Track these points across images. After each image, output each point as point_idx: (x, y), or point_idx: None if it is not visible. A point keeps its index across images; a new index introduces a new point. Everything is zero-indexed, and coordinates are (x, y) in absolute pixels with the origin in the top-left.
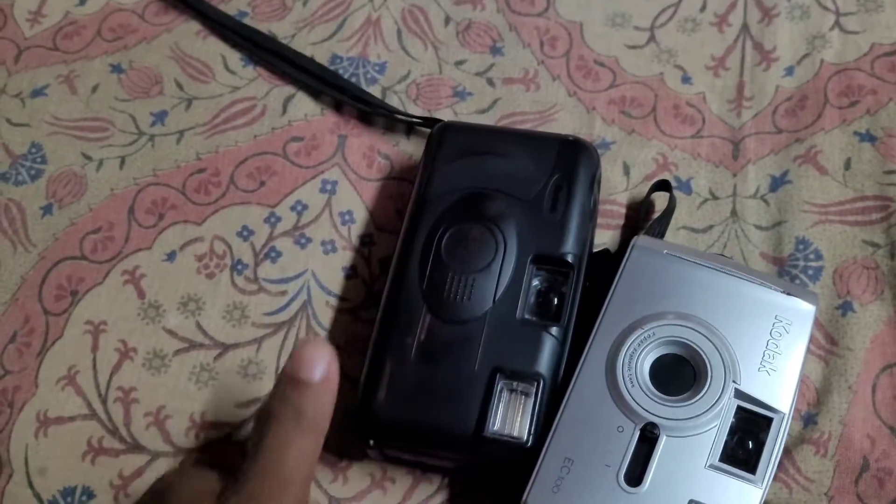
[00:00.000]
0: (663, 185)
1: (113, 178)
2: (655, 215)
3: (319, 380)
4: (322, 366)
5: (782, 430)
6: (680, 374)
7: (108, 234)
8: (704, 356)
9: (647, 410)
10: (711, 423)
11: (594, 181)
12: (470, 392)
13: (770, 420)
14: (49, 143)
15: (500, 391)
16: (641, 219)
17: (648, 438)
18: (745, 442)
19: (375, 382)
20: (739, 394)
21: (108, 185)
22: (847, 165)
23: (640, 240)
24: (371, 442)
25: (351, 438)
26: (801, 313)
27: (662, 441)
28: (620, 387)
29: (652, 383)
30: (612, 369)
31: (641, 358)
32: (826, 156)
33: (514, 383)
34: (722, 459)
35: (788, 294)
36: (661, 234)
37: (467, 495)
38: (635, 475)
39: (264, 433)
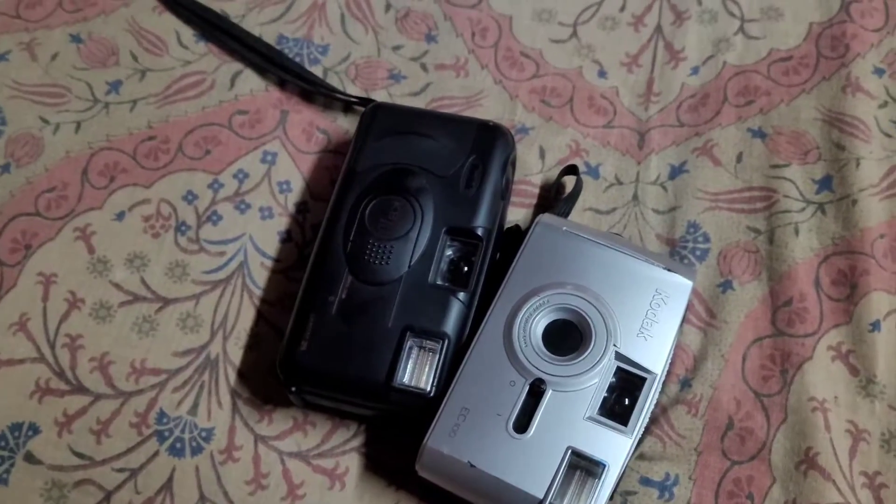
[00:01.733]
0: (572, 170)
1: (68, 142)
2: (564, 196)
3: None
4: None
5: (654, 389)
6: (568, 336)
7: (62, 194)
8: (590, 322)
9: (536, 367)
10: (592, 381)
11: (507, 163)
12: (383, 346)
13: (644, 380)
14: (9, 106)
15: (410, 347)
16: (552, 199)
17: (536, 392)
18: (621, 398)
19: (299, 335)
20: (619, 356)
21: (64, 148)
22: (739, 158)
23: (544, 217)
24: (293, 388)
25: (276, 385)
26: (678, 287)
27: (548, 395)
28: (515, 346)
29: (543, 344)
30: (509, 331)
31: (536, 321)
32: (721, 149)
33: (423, 341)
34: (600, 412)
35: (669, 270)
36: (566, 214)
37: (380, 441)
38: (522, 423)
39: None
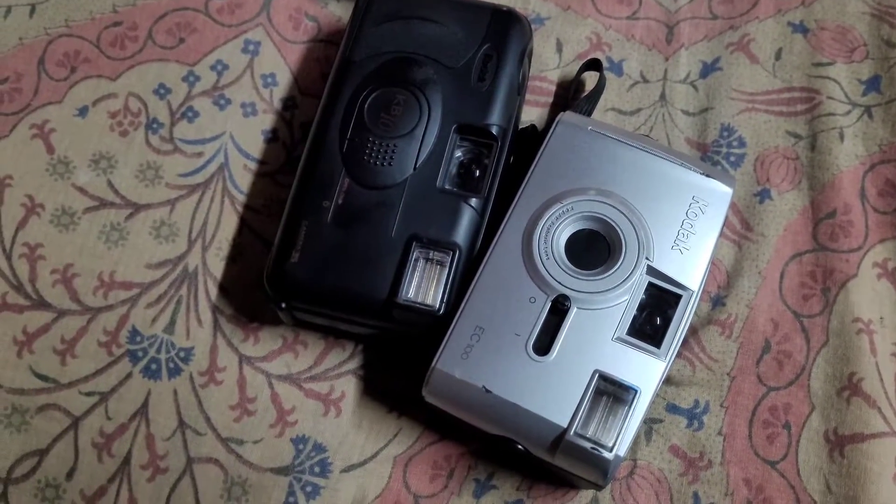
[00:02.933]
0: (594, 65)
1: (22, 27)
2: (585, 94)
3: None
4: None
5: (690, 307)
6: (595, 248)
7: (15, 86)
8: (620, 232)
9: (559, 283)
10: (622, 298)
11: (525, 54)
12: (385, 258)
13: (679, 297)
14: None
15: (416, 259)
16: (570, 97)
17: (559, 310)
18: (653, 317)
19: (289, 244)
20: (651, 270)
21: (17, 34)
22: (778, 55)
23: (566, 115)
24: (283, 304)
25: (263, 300)
26: (717, 195)
27: (573, 313)
28: (535, 259)
29: (567, 256)
30: (529, 241)
31: (558, 231)
32: (758, 45)
33: (430, 252)
34: (629, 333)
35: (707, 176)
36: (588, 113)
37: (379, 363)
38: (544, 345)
39: None
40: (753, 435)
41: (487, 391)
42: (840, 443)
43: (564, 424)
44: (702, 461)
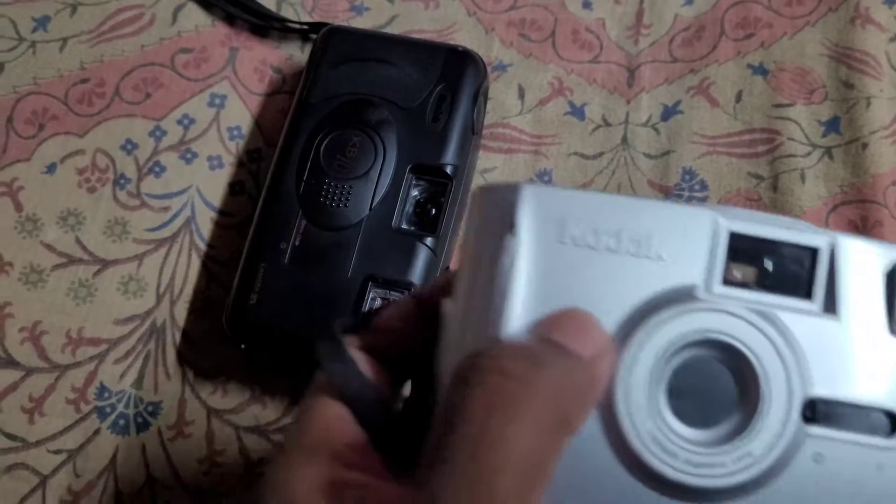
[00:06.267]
0: None
1: None
2: None
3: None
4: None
5: None
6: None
7: None
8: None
9: None
10: None
11: (479, 93)
12: (342, 299)
13: None
14: None
15: (372, 299)
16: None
17: None
18: None
19: (248, 286)
20: None
21: None
22: (738, 98)
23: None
24: (242, 346)
25: (231, 352)
26: None
27: None
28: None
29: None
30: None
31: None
32: (718, 88)
33: (387, 292)
34: None
35: None
36: None
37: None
38: None
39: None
40: None
41: None
42: None
43: None
44: None
